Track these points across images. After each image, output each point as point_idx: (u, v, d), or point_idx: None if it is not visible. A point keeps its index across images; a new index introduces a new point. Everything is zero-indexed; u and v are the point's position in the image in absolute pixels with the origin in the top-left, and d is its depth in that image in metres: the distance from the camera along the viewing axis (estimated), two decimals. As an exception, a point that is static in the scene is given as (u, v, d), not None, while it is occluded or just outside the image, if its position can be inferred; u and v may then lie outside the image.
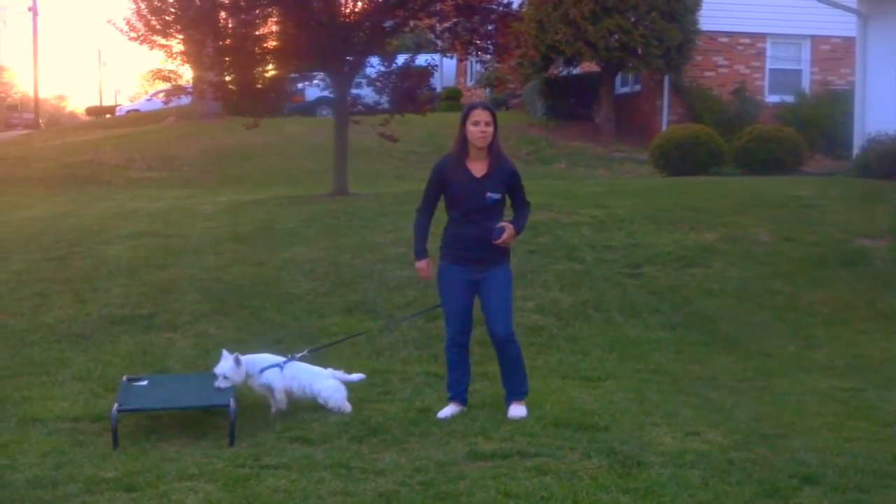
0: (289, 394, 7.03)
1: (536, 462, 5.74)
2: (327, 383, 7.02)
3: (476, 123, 6.72)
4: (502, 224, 6.75)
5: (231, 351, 6.98)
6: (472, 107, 6.88)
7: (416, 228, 7.05)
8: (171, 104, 24.87)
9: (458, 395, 6.95)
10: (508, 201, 6.99)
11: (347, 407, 6.97)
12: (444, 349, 8.81)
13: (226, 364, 6.86)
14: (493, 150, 6.80)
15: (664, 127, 24.62)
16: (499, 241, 6.71)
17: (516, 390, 6.93)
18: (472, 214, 6.78)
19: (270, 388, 6.99)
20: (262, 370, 6.97)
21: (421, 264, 7.05)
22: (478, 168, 6.80)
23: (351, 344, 8.94)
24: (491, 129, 6.73)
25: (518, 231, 6.89)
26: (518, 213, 6.99)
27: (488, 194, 6.74)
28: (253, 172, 23.05)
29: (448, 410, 6.83)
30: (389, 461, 5.79)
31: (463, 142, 6.79)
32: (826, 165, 21.37)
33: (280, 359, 7.11)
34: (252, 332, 9.42)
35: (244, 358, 6.96)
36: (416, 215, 7.08)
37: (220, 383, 6.82)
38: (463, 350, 6.97)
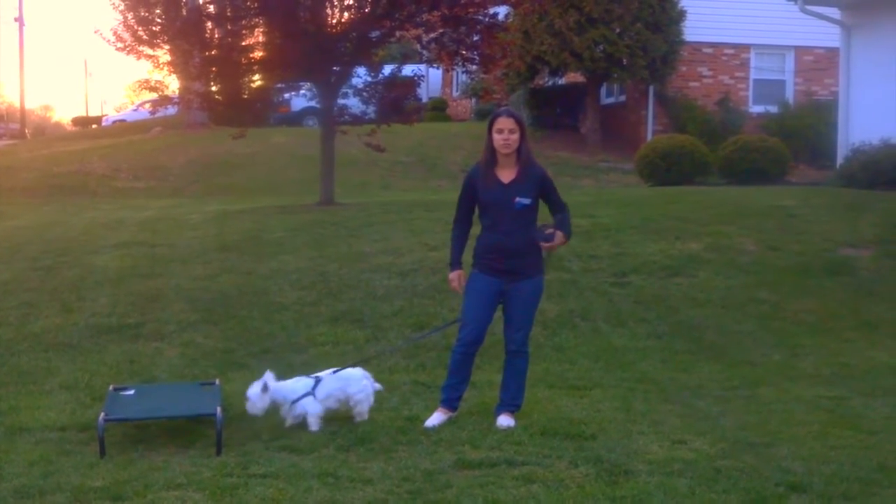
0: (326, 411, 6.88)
1: (524, 471, 5.74)
2: (362, 384, 6.90)
3: (500, 131, 6.70)
4: (552, 231, 6.77)
5: (274, 373, 6.79)
6: (497, 114, 6.83)
7: (452, 239, 7.03)
8: (158, 114, 24.81)
9: (449, 402, 6.92)
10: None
11: (366, 416, 6.88)
12: (431, 359, 8.89)
13: (254, 389, 6.68)
14: (521, 156, 6.76)
15: (649, 137, 24.70)
16: (547, 246, 6.77)
17: (511, 401, 6.92)
18: (502, 222, 6.75)
19: (305, 417, 6.78)
20: (294, 401, 6.76)
21: (452, 276, 6.98)
22: (506, 174, 6.78)
23: (340, 353, 8.95)
24: (515, 136, 6.69)
25: (567, 237, 6.91)
26: (558, 219, 6.92)
27: (517, 199, 6.71)
28: (239, 182, 23.04)
29: (436, 419, 6.81)
30: (377, 470, 5.79)
31: (491, 149, 6.77)
32: (810, 175, 21.44)
33: (311, 381, 6.87)
34: (239, 341, 9.41)
35: (275, 385, 6.73)
36: (452, 226, 7.05)
37: (248, 407, 6.70)
38: (470, 358, 6.91)
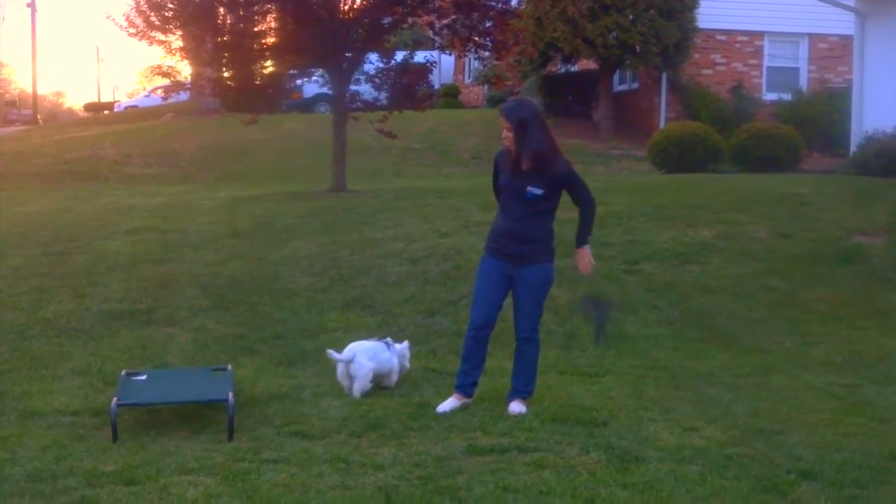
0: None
1: (535, 457, 5.75)
2: (363, 361, 7.23)
3: (503, 129, 6.76)
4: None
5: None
6: (500, 113, 6.88)
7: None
8: (170, 100, 24.85)
9: (463, 387, 6.93)
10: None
11: (356, 394, 7.16)
12: (441, 345, 8.90)
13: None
14: (526, 151, 6.66)
15: (662, 124, 24.65)
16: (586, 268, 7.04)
17: (522, 388, 6.93)
18: (513, 207, 6.79)
19: None
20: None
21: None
22: (526, 162, 6.77)
23: (351, 339, 8.92)
24: (511, 135, 6.66)
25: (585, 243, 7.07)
26: (582, 221, 7.01)
27: (528, 188, 6.69)
28: (251, 169, 23.07)
29: (448, 404, 6.82)
30: (388, 455, 5.80)
31: None
32: (823, 163, 21.37)
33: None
34: (251, 327, 9.43)
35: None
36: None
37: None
38: (482, 342, 6.92)
